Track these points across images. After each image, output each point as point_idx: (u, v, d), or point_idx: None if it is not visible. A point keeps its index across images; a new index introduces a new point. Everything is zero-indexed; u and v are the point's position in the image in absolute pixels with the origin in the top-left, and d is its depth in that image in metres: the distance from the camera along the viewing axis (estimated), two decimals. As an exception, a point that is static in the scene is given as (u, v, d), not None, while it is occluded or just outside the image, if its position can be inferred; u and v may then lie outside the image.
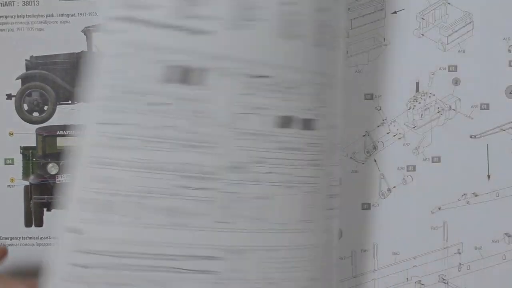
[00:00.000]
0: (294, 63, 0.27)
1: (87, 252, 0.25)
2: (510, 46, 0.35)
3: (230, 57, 0.26)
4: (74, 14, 0.35)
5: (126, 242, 0.26)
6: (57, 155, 0.36)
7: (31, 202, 0.35)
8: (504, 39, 0.35)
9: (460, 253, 0.35)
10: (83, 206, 0.25)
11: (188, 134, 0.26)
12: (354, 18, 0.36)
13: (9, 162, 0.35)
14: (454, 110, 0.36)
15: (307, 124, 0.28)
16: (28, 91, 0.35)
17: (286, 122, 0.27)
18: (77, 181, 0.25)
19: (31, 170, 0.35)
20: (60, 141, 0.37)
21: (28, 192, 0.35)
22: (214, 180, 0.26)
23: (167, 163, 0.26)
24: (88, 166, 0.25)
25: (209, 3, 0.25)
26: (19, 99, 0.35)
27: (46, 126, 0.35)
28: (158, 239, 0.26)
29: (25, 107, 0.35)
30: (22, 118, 0.35)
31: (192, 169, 0.26)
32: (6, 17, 0.35)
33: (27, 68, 0.35)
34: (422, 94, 0.36)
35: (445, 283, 0.36)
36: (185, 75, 0.25)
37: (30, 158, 0.35)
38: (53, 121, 0.36)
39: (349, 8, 0.35)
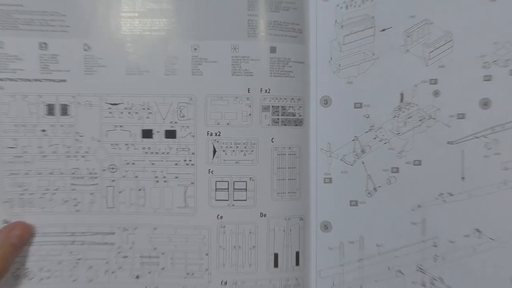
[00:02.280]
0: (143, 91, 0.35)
1: None
2: (485, 62, 0.35)
3: (84, 94, 0.34)
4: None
5: (47, 226, 0.34)
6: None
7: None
8: (480, 56, 0.35)
9: (436, 246, 0.36)
10: (12, 204, 0.34)
11: (72, 148, 0.34)
12: (347, 35, 0.36)
13: None
14: (434, 119, 0.35)
15: (170, 134, 0.35)
16: None
17: (148, 133, 0.35)
18: None
19: None
20: None
21: None
22: (100, 177, 0.35)
23: (65, 168, 0.34)
24: (6, 177, 0.34)
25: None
26: None
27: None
28: (70, 221, 0.34)
29: None
30: None
31: (82, 171, 0.35)
32: None
33: None
34: (406, 104, 0.36)
35: (422, 272, 0.36)
36: (60, 109, 0.34)
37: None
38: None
39: (342, 26, 0.35)
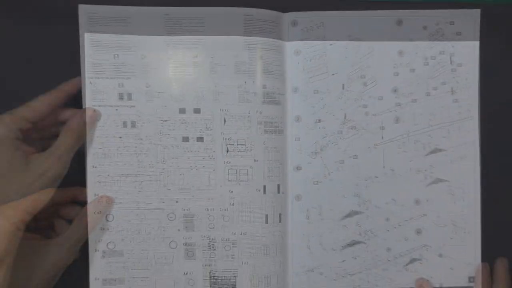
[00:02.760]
0: (183, 112, 0.45)
1: None
2: (396, 95, 0.45)
3: (148, 114, 0.45)
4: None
5: (121, 197, 0.45)
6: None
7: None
8: (394, 91, 0.45)
9: (367, 209, 0.46)
10: (100, 183, 0.45)
11: (138, 148, 0.45)
12: (310, 77, 0.46)
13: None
14: (365, 129, 0.46)
15: (199, 139, 0.44)
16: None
17: (186, 138, 0.44)
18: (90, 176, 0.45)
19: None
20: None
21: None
22: (155, 167, 0.45)
23: (133, 161, 0.45)
24: (97, 167, 0.45)
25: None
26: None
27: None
28: (136, 194, 0.45)
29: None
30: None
31: (144, 163, 0.45)
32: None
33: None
34: (348, 120, 0.46)
35: (359, 226, 0.46)
36: (130, 124, 0.44)
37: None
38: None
39: (307, 71, 0.47)
